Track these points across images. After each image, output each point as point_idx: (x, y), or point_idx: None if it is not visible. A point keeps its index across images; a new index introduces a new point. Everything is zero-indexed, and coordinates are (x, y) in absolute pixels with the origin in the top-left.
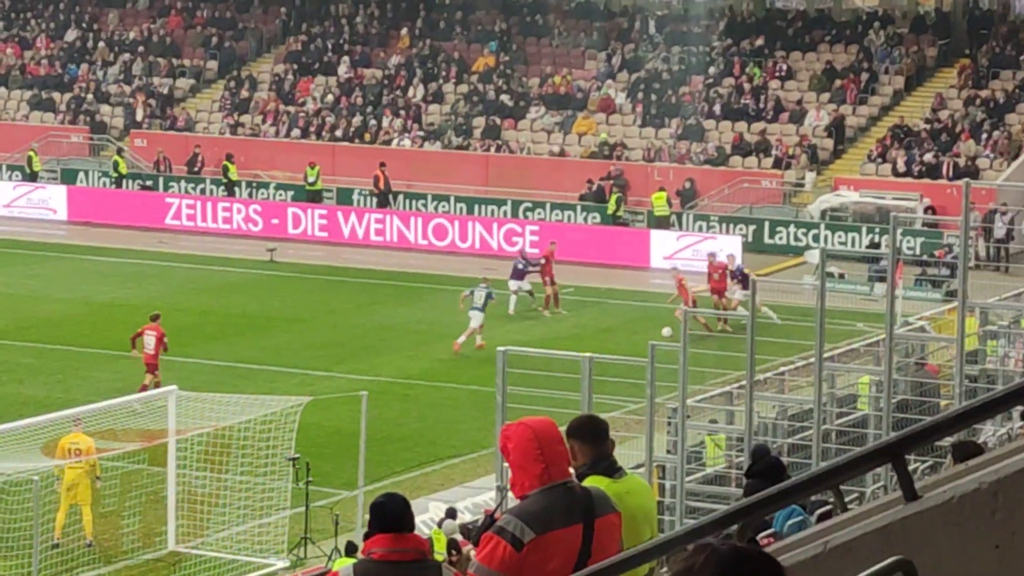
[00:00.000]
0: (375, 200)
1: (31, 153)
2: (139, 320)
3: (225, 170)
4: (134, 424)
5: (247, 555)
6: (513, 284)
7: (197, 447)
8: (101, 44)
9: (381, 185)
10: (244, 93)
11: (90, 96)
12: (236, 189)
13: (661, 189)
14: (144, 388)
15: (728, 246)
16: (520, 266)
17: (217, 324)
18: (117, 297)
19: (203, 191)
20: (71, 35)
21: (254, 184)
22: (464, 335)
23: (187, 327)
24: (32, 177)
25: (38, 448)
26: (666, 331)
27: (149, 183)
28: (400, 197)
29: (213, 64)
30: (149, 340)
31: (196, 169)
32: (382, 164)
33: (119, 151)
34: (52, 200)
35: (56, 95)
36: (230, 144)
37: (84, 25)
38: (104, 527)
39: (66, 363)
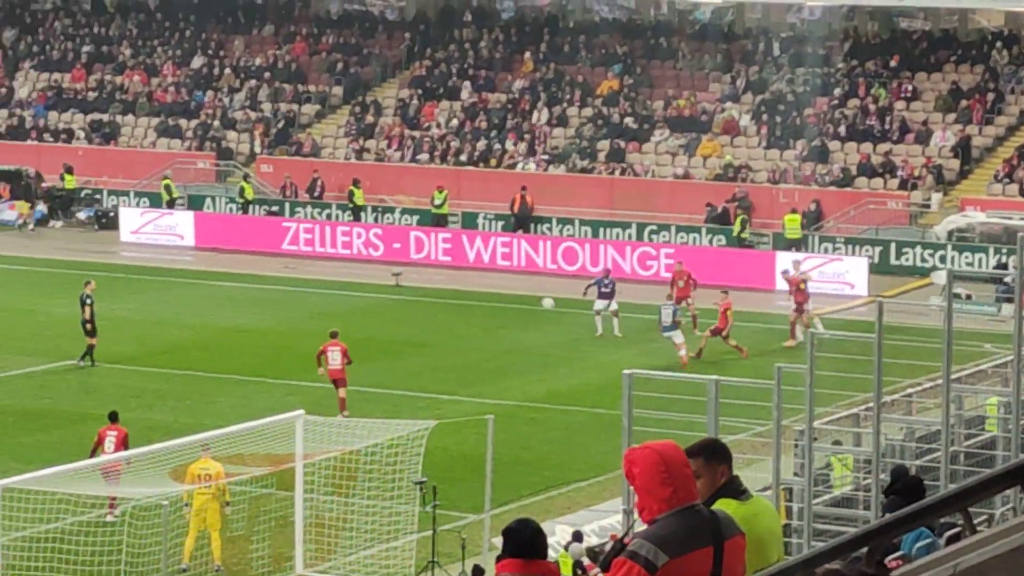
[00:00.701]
0: (513, 222)
1: (167, 182)
2: (267, 343)
3: (351, 195)
4: (262, 449)
5: None
6: (600, 304)
7: (324, 471)
8: (227, 71)
9: (517, 208)
10: (369, 118)
11: (216, 122)
12: (362, 214)
13: (794, 211)
14: (343, 402)
15: (852, 266)
16: (605, 287)
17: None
18: (244, 322)
19: (329, 216)
20: (197, 62)
21: (380, 209)
22: (683, 351)
23: (313, 352)
24: (170, 204)
25: (166, 473)
26: (547, 302)
27: (275, 208)
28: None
29: (338, 90)
30: (335, 356)
31: (316, 194)
32: (523, 188)
33: (245, 177)
34: (179, 226)
35: (183, 121)
36: (355, 169)
37: (210, 52)
38: (233, 551)
39: (193, 388)
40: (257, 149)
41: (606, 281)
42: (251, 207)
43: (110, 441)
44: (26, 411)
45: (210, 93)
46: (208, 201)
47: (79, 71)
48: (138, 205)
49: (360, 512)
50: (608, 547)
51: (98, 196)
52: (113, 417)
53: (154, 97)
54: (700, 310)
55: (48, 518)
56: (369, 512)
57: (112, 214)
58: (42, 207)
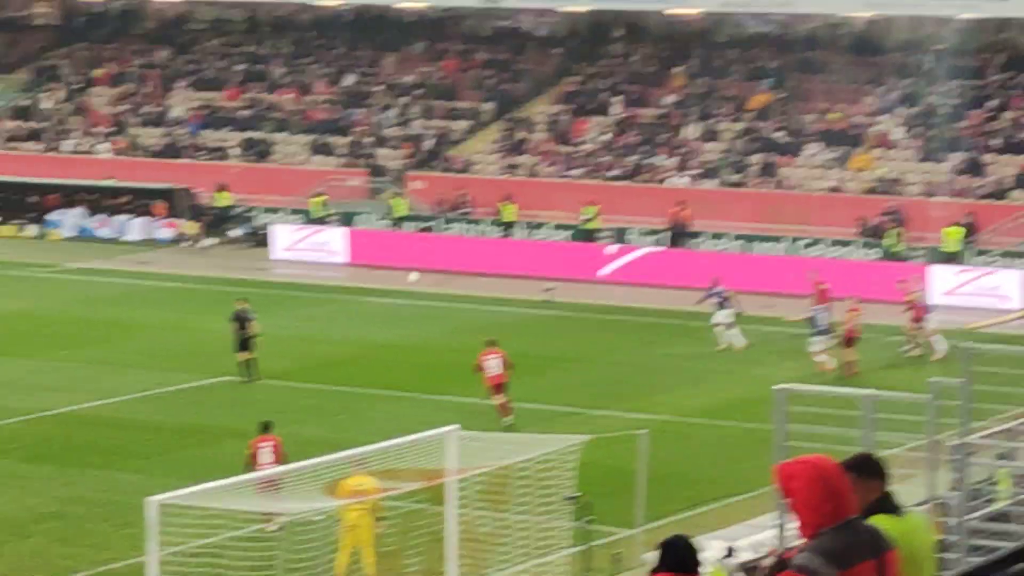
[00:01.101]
0: (669, 236)
1: (317, 198)
2: (419, 359)
3: (500, 211)
4: (415, 464)
5: None
6: (722, 316)
7: (477, 486)
8: (379, 88)
9: (674, 222)
10: (520, 134)
11: (368, 139)
12: (512, 230)
13: (955, 224)
14: (503, 407)
15: (1006, 279)
16: (720, 298)
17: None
18: (396, 338)
19: (480, 232)
20: (349, 80)
21: (531, 225)
22: (826, 359)
23: (464, 367)
24: (319, 221)
25: (319, 489)
26: (412, 276)
27: (427, 225)
28: (669, 236)
29: (489, 106)
30: (494, 363)
31: (465, 211)
32: (681, 202)
33: (397, 193)
34: (332, 243)
35: (335, 139)
36: (506, 185)
37: (362, 70)
38: (386, 567)
39: (346, 404)
40: (417, 160)
41: (717, 290)
42: (403, 223)
43: (267, 452)
44: (182, 427)
45: (362, 110)
46: (360, 217)
47: (233, 90)
48: (291, 222)
49: (513, 527)
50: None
51: (251, 214)
52: (266, 427)
53: (307, 115)
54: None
55: (205, 533)
56: (522, 527)
57: (265, 231)
58: (186, 225)
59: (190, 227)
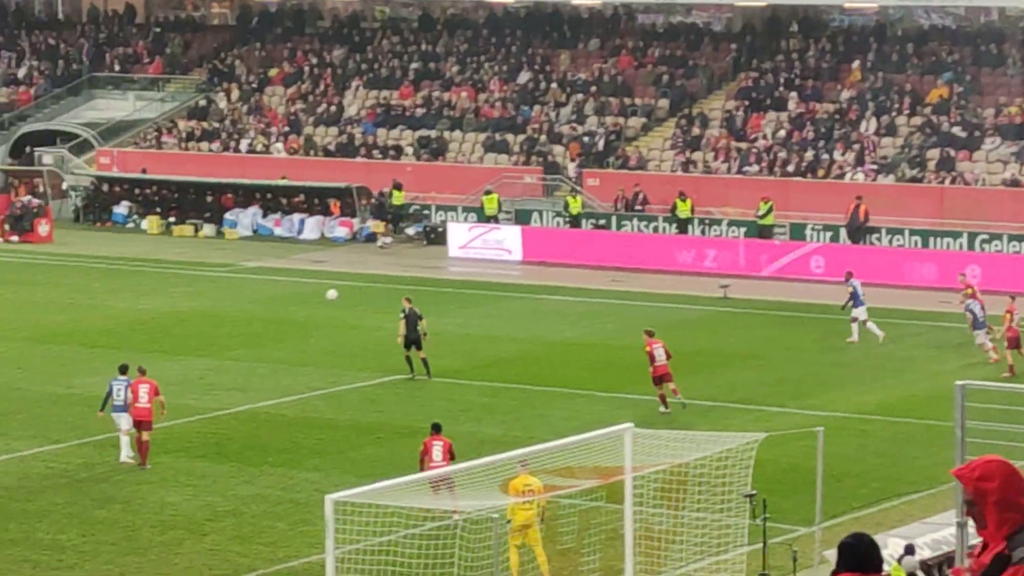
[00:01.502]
0: (848, 233)
1: (489, 196)
2: (595, 357)
3: (675, 207)
4: (591, 461)
5: None
6: (861, 312)
7: (653, 484)
8: (553, 85)
9: (852, 218)
10: (695, 130)
11: (543, 137)
12: (688, 226)
13: None
14: (664, 397)
15: None
16: (855, 293)
17: (671, 362)
18: (571, 336)
19: (655, 229)
20: (524, 77)
21: (706, 221)
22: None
23: (640, 365)
24: (491, 219)
25: (495, 486)
26: (330, 293)
27: (602, 222)
28: (847, 232)
29: (664, 102)
30: (659, 352)
31: (638, 207)
32: (859, 198)
33: (572, 191)
34: (507, 241)
35: (510, 136)
36: (681, 181)
37: (536, 67)
38: (563, 564)
39: (522, 402)
40: (570, 168)
41: (853, 283)
42: (578, 220)
43: (437, 450)
44: (358, 425)
45: (536, 108)
46: (535, 215)
47: (407, 88)
48: (466, 220)
49: (689, 525)
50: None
51: (426, 212)
52: (437, 428)
53: (481, 112)
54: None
55: (381, 531)
56: (698, 525)
57: (440, 229)
58: (371, 223)
59: (376, 226)
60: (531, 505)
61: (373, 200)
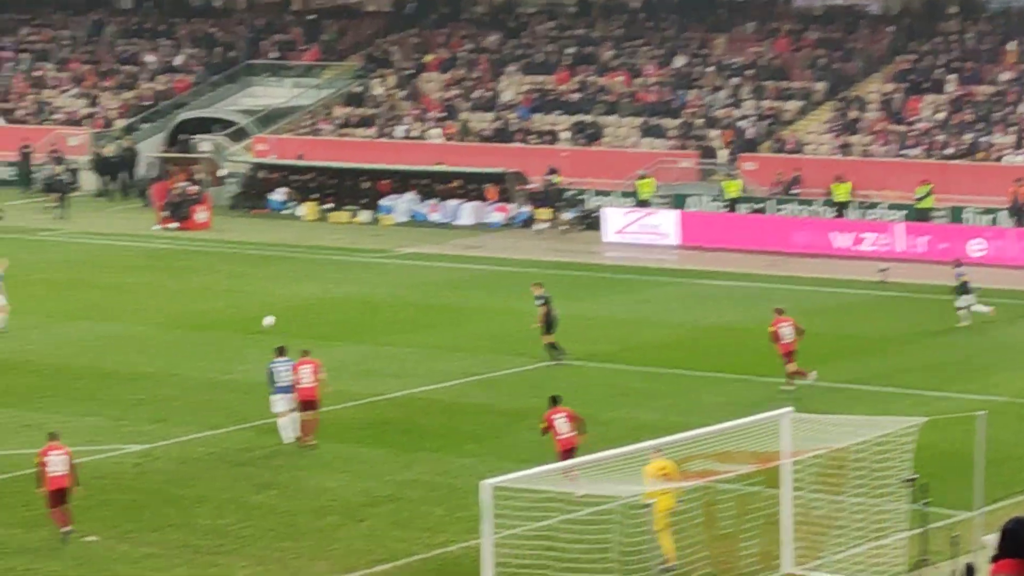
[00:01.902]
0: (1011, 216)
1: (643, 180)
2: (752, 341)
3: (832, 191)
4: (748, 446)
5: None
6: (965, 300)
7: (811, 469)
8: (710, 69)
9: (1012, 200)
10: (853, 113)
11: (699, 121)
12: (845, 210)
13: None
14: (795, 374)
15: None
16: (961, 281)
17: (829, 346)
18: (727, 320)
19: (813, 212)
20: (680, 61)
21: (864, 204)
22: None
23: (802, 350)
24: (647, 204)
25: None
26: (267, 320)
27: (760, 206)
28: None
29: (821, 86)
30: (786, 331)
31: (795, 191)
32: (1018, 179)
33: (730, 175)
34: (663, 225)
35: (666, 121)
36: (839, 165)
37: (692, 51)
38: (722, 549)
39: (678, 387)
40: (721, 156)
41: (959, 271)
42: (735, 205)
43: (561, 423)
44: (515, 410)
45: (693, 92)
46: (691, 199)
47: (563, 73)
48: (622, 205)
49: (848, 510)
50: None
51: (582, 197)
52: (555, 400)
53: (637, 97)
54: None
55: (538, 516)
56: (858, 510)
57: (596, 214)
58: (527, 208)
59: (542, 213)
60: (668, 491)
61: (536, 186)
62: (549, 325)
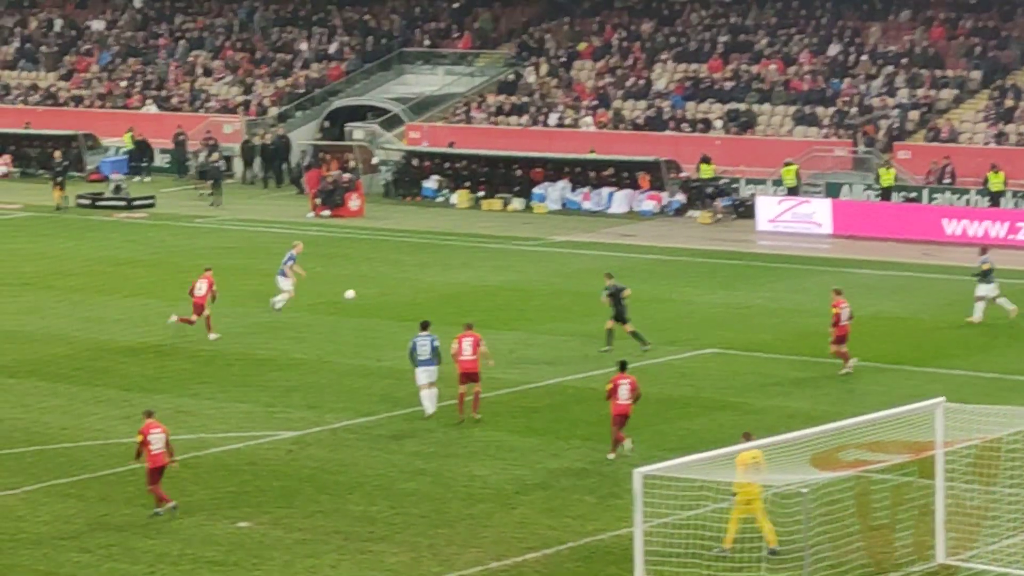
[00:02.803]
0: None
1: (789, 168)
2: (906, 330)
3: (987, 181)
4: (902, 436)
5: (1017, 568)
6: (984, 290)
7: (965, 459)
8: (864, 57)
9: None
10: (1008, 102)
11: (853, 110)
12: (1000, 199)
13: None
14: (840, 355)
15: None
16: (984, 270)
17: (984, 336)
18: (882, 310)
19: (967, 202)
20: (834, 50)
21: (1020, 194)
22: None
23: (954, 340)
24: (794, 191)
25: (806, 461)
26: (349, 293)
27: (914, 195)
28: None
29: (976, 74)
30: (844, 312)
31: (947, 180)
32: None
33: (886, 163)
34: (817, 214)
35: (819, 109)
36: (994, 154)
37: (847, 39)
38: (876, 539)
39: (830, 375)
40: (905, 129)
41: (984, 258)
42: (890, 194)
43: (625, 388)
44: (668, 398)
45: (847, 80)
46: (845, 188)
47: (716, 61)
48: (775, 194)
49: (1002, 500)
50: None
51: (736, 185)
52: (623, 366)
53: (790, 85)
54: None
55: (689, 505)
56: (1012, 501)
57: (749, 203)
58: (680, 197)
59: (704, 216)
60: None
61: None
62: (619, 315)
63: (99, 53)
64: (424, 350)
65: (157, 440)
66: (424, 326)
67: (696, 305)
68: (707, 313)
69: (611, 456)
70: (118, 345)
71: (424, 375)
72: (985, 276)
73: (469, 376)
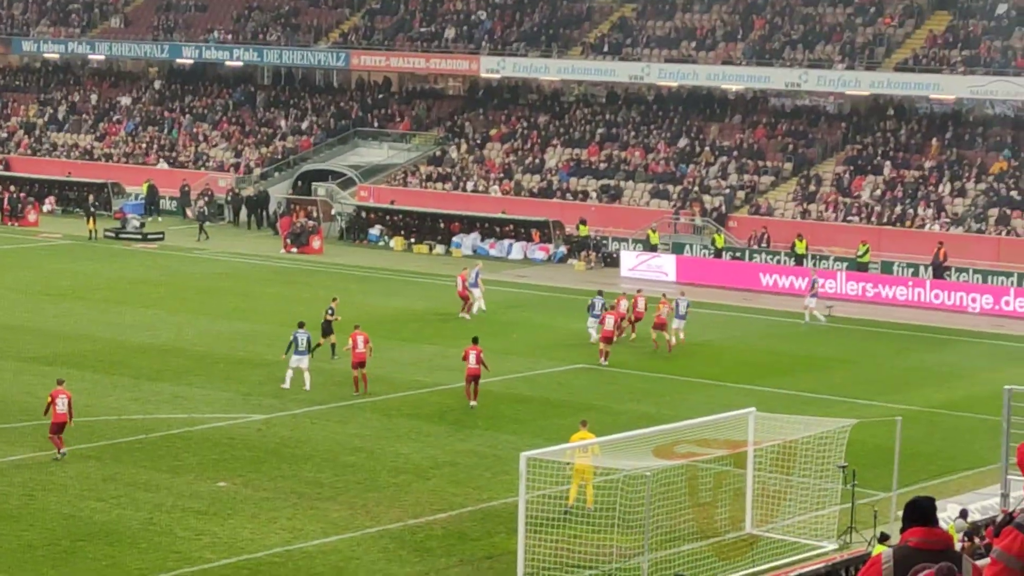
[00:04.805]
0: (931, 270)
1: (650, 231)
2: (727, 355)
3: (794, 246)
4: (722, 436)
5: (805, 539)
6: (811, 302)
7: (770, 455)
8: (705, 149)
9: (940, 258)
10: (811, 187)
11: (696, 188)
12: (803, 260)
13: None
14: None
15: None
16: (813, 287)
17: (787, 362)
18: (711, 339)
19: (778, 261)
20: (682, 142)
21: (816, 256)
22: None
23: (765, 364)
24: (652, 249)
25: (649, 451)
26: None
27: (739, 254)
28: (930, 269)
29: (788, 165)
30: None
31: (764, 244)
32: (940, 243)
33: (718, 230)
34: (665, 266)
35: (670, 187)
36: (799, 226)
37: (692, 134)
38: (701, 514)
39: (671, 389)
40: (698, 223)
41: (816, 278)
42: (722, 253)
43: (474, 356)
44: (548, 401)
45: (692, 166)
46: (687, 247)
47: (594, 147)
48: (634, 249)
49: (796, 487)
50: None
51: (605, 241)
52: (475, 340)
53: (649, 168)
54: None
55: (562, 481)
56: (803, 487)
57: (615, 255)
58: (563, 249)
59: (580, 265)
60: (587, 453)
61: (592, 244)
62: (325, 331)
63: (126, 122)
64: (301, 342)
65: (61, 403)
66: (300, 325)
67: (572, 331)
68: (581, 337)
69: (473, 404)
70: (131, 344)
71: (297, 360)
72: (813, 289)
73: (362, 363)
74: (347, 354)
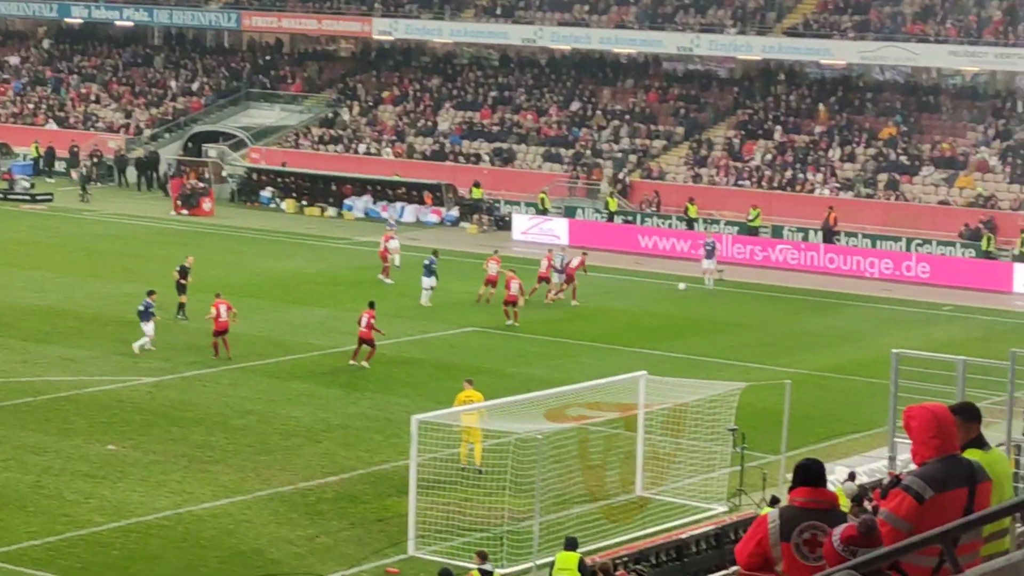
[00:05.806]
0: (821, 234)
1: (542, 195)
2: (621, 319)
3: (686, 210)
4: (613, 399)
5: (696, 501)
6: (707, 264)
7: (660, 418)
8: (598, 113)
9: (830, 222)
10: (703, 152)
11: (588, 152)
12: (695, 225)
13: None
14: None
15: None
16: (708, 247)
17: (679, 326)
18: (602, 305)
19: (670, 225)
20: (575, 106)
21: (708, 221)
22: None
23: (656, 328)
24: (543, 212)
25: (541, 414)
26: (682, 285)
27: (630, 218)
28: (820, 233)
29: (680, 129)
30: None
31: (655, 208)
32: (831, 208)
33: (610, 194)
34: (556, 229)
35: (562, 151)
36: (691, 190)
37: (585, 98)
38: (592, 477)
39: (563, 351)
40: (624, 169)
41: (710, 240)
42: (614, 217)
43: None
44: (440, 364)
45: (584, 130)
46: (579, 211)
47: (486, 110)
48: (526, 213)
49: (686, 450)
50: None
51: (497, 204)
52: (371, 304)
53: (542, 131)
54: (955, 306)
55: (452, 444)
56: (693, 450)
57: (507, 218)
58: (455, 212)
59: (472, 228)
60: (474, 414)
61: (484, 207)
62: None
63: (14, 81)
64: (149, 309)
65: None
66: (150, 293)
67: (465, 293)
68: (471, 299)
69: (354, 363)
70: (20, 306)
71: (148, 328)
72: (708, 251)
73: (224, 331)
74: (209, 323)
